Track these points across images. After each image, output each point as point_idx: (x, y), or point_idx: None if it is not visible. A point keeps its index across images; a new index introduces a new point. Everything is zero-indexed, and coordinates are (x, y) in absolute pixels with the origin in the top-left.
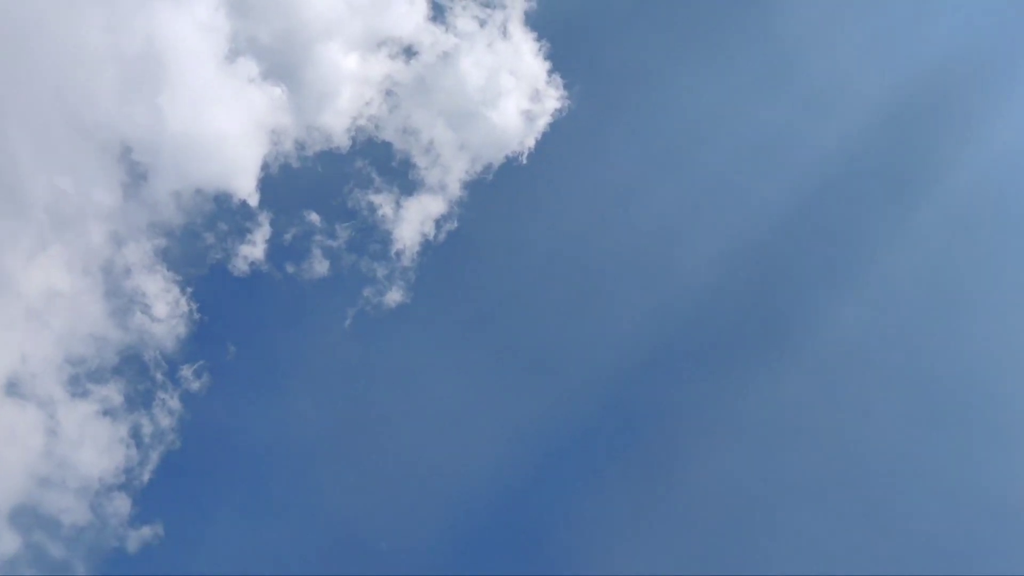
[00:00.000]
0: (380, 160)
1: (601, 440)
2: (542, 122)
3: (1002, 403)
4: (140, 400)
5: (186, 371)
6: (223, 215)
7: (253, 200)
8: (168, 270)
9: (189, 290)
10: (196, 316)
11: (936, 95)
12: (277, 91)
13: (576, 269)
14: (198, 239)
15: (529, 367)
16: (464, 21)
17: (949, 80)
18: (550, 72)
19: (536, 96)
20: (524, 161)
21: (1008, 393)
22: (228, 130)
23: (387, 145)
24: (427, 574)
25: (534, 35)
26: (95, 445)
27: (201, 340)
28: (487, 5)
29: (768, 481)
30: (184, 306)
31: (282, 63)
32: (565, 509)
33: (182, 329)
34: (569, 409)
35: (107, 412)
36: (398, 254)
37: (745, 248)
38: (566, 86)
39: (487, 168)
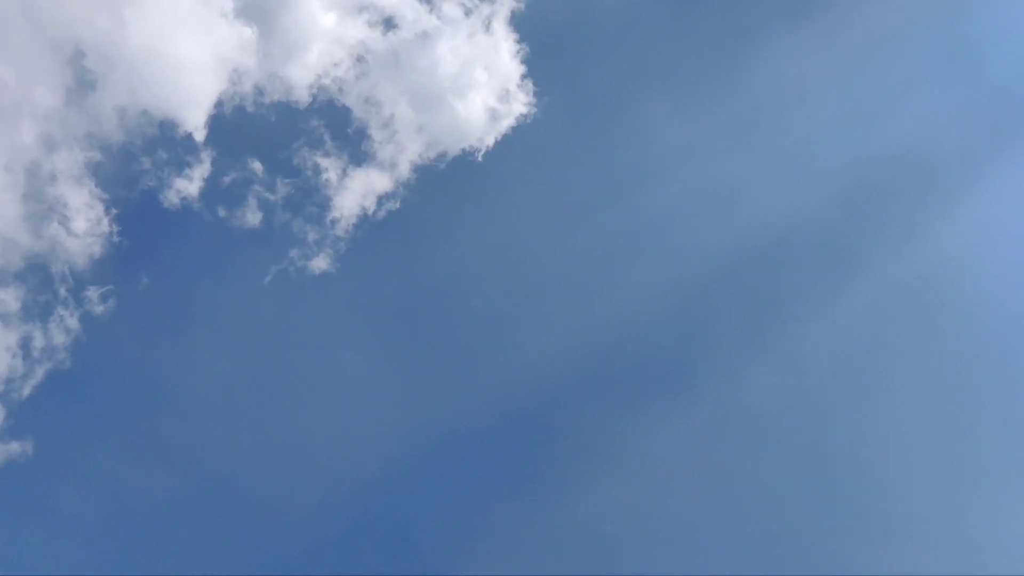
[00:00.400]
0: (336, 124)
1: (495, 446)
2: (505, 123)
3: (885, 493)
4: (38, 312)
5: (92, 292)
6: (165, 143)
7: (199, 135)
8: (96, 186)
9: (114, 211)
10: (115, 239)
11: (888, 184)
12: (248, 32)
13: (505, 275)
14: (134, 161)
15: (438, 363)
16: (450, 6)
17: (903, 172)
18: (524, 76)
19: (505, 96)
20: (479, 158)
21: (892, 485)
22: (189, 59)
23: (346, 110)
24: (292, 542)
25: (516, 36)
26: None
27: (115, 265)
28: None
29: (642, 522)
30: (105, 226)
31: (259, 5)
32: (443, 506)
33: (97, 249)
34: (469, 412)
35: (0, 317)
36: (333, 222)
37: (674, 290)
38: (536, 94)
39: (441, 156)
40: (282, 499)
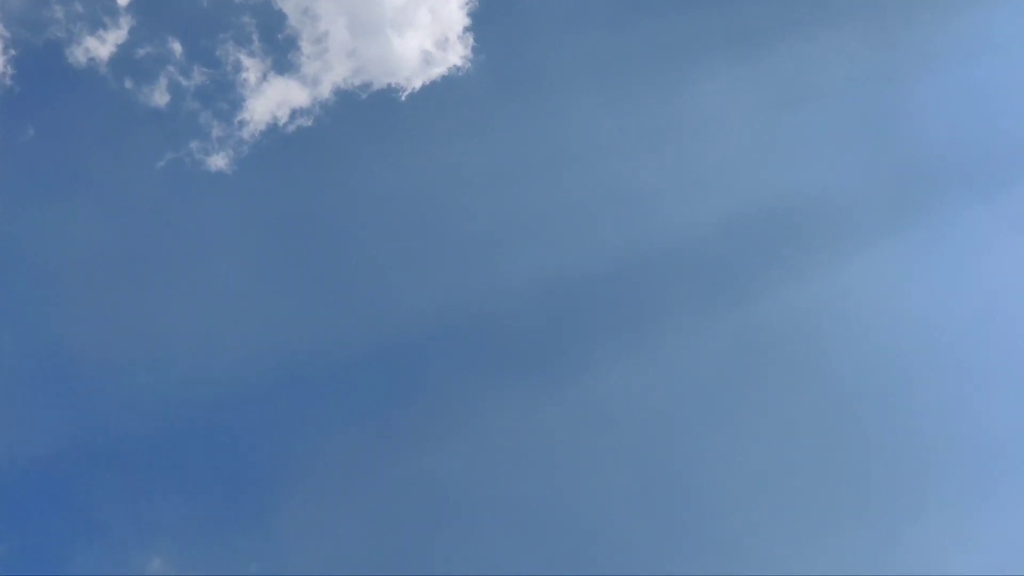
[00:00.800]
0: (268, 26)
1: (351, 382)
2: (436, 71)
3: (715, 505)
4: None
5: None
6: None
7: None
8: None
9: (12, 52)
10: (7, 82)
11: (787, 225)
12: None
13: (397, 221)
14: (46, 7)
15: (309, 292)
16: None
17: (803, 217)
18: (466, 29)
19: (443, 44)
20: (403, 98)
21: (722, 499)
22: None
23: (281, 16)
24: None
25: None
26: None
27: (1, 110)
28: None
29: (475, 494)
30: None
31: None
32: (283, 427)
33: None
34: (328, 347)
35: None
36: (241, 123)
37: (560, 273)
38: (475, 49)
39: (365, 86)
40: (119, 387)
